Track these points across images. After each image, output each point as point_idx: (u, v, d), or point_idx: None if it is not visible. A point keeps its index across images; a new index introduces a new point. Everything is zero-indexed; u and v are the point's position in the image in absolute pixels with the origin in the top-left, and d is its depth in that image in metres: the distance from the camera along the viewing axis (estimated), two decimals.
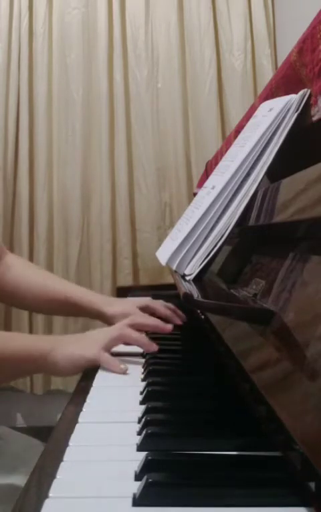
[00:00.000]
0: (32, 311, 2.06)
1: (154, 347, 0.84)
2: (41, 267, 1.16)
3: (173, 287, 0.87)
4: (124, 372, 0.77)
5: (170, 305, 1.07)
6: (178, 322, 1.03)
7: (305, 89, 0.65)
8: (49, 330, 2.31)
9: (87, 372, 0.79)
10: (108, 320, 1.04)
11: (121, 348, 0.86)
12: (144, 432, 0.50)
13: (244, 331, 0.54)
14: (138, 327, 0.88)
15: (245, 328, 0.54)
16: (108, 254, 2.29)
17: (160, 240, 2.04)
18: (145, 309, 1.03)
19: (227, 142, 1.20)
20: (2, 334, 0.89)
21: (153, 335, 0.97)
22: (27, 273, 1.14)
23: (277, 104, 0.68)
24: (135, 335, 0.84)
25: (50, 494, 0.40)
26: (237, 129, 1.03)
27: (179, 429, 0.52)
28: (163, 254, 0.80)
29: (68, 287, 1.13)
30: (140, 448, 0.48)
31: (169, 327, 0.92)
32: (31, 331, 2.29)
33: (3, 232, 2.31)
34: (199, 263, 0.69)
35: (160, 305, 1.06)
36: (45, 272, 1.26)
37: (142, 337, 0.85)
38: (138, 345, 0.85)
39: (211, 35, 2.31)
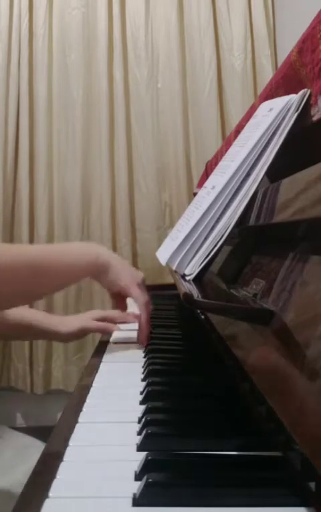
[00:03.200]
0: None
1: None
2: None
3: (173, 287, 0.87)
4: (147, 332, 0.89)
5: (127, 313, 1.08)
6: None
7: (305, 89, 0.65)
8: None
9: (87, 372, 0.79)
10: (63, 339, 1.08)
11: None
12: (144, 432, 0.50)
13: (244, 331, 0.54)
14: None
15: (245, 328, 0.54)
16: None
17: (160, 240, 2.04)
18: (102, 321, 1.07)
19: (227, 142, 1.20)
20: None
21: (153, 334, 0.97)
22: None
23: (277, 104, 0.68)
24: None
25: (50, 494, 0.40)
26: (237, 129, 1.03)
27: (179, 429, 0.52)
28: (163, 254, 0.80)
29: (23, 311, 1.13)
30: (140, 448, 0.48)
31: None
32: None
33: (2, 232, 2.31)
34: (199, 263, 0.69)
35: (116, 314, 1.08)
36: None
37: None
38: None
39: (211, 35, 2.31)
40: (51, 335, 1.08)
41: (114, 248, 2.31)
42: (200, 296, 0.55)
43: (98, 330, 1.04)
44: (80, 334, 1.04)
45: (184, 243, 0.72)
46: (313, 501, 0.37)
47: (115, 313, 1.07)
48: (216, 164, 0.98)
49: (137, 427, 0.53)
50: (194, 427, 0.53)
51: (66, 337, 1.05)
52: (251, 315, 0.50)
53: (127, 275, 0.88)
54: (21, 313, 1.10)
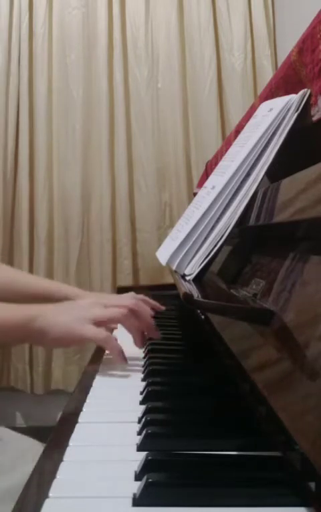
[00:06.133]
0: None
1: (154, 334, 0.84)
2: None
3: (173, 287, 0.87)
4: (123, 357, 0.76)
5: (141, 296, 1.04)
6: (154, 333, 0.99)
7: (305, 89, 0.65)
8: None
9: (87, 372, 0.79)
10: None
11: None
12: (144, 432, 0.50)
13: (244, 331, 0.54)
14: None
15: (245, 328, 0.54)
16: (107, 254, 2.29)
17: (160, 240, 2.04)
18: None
19: (227, 142, 1.20)
20: None
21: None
22: None
23: (277, 104, 0.68)
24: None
25: (50, 494, 0.40)
26: (237, 129, 1.03)
27: (179, 429, 0.52)
28: (163, 254, 0.80)
29: (40, 281, 1.08)
30: (140, 448, 0.48)
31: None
32: None
33: (2, 232, 2.31)
34: (199, 263, 0.69)
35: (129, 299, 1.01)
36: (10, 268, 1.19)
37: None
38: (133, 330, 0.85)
39: (211, 35, 2.31)
40: None
41: (114, 249, 2.31)
42: (200, 296, 0.55)
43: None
44: None
45: (184, 243, 0.72)
46: (313, 501, 0.37)
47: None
48: (216, 164, 0.98)
49: (137, 427, 0.53)
50: (194, 427, 0.53)
51: None
52: (251, 315, 0.51)
53: (71, 334, 0.75)
54: (37, 282, 1.07)
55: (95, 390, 0.68)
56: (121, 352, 0.77)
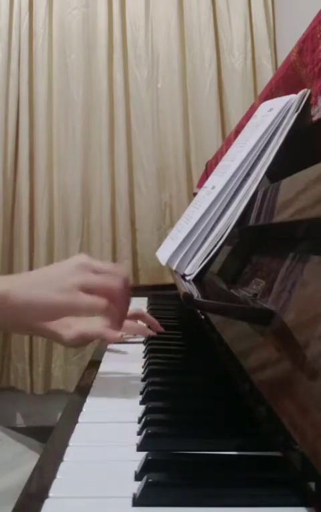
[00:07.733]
0: None
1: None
2: None
3: (173, 287, 0.87)
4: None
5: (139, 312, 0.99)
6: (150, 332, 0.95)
7: (305, 89, 0.65)
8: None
9: (87, 372, 0.79)
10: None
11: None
12: (144, 432, 0.50)
13: (244, 331, 0.54)
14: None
15: (245, 328, 0.54)
16: (108, 254, 2.29)
17: (160, 240, 2.04)
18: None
19: (227, 142, 1.20)
20: None
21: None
22: None
23: (277, 104, 0.68)
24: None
25: (50, 494, 0.40)
26: (237, 129, 1.03)
27: (179, 429, 0.52)
28: (163, 254, 0.80)
29: None
30: (140, 448, 0.48)
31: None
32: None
33: (2, 233, 2.31)
34: (199, 263, 0.69)
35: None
36: None
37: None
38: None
39: (211, 35, 2.31)
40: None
41: (114, 249, 2.31)
42: (200, 296, 0.55)
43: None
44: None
45: (184, 243, 0.72)
46: (313, 501, 0.37)
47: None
48: (216, 164, 0.98)
49: (137, 427, 0.53)
50: (194, 427, 0.53)
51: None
52: (251, 315, 0.51)
53: (56, 307, 0.61)
54: None
55: (95, 390, 0.68)
56: (121, 321, 0.63)
